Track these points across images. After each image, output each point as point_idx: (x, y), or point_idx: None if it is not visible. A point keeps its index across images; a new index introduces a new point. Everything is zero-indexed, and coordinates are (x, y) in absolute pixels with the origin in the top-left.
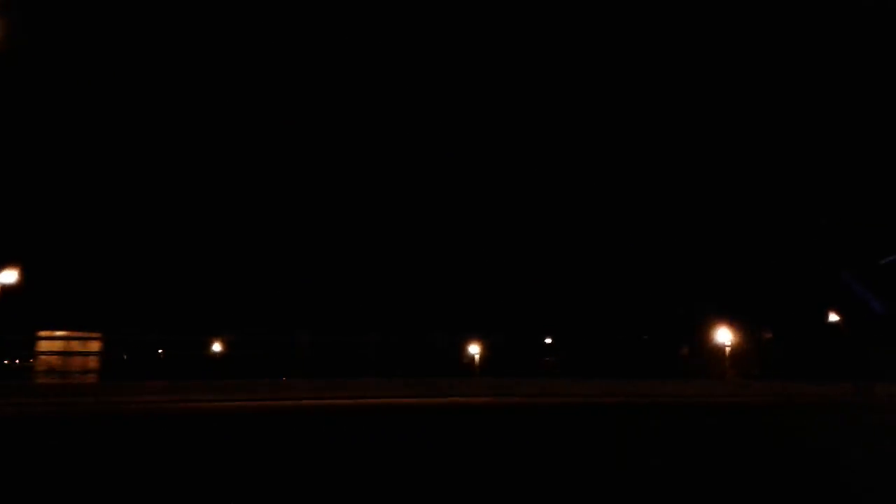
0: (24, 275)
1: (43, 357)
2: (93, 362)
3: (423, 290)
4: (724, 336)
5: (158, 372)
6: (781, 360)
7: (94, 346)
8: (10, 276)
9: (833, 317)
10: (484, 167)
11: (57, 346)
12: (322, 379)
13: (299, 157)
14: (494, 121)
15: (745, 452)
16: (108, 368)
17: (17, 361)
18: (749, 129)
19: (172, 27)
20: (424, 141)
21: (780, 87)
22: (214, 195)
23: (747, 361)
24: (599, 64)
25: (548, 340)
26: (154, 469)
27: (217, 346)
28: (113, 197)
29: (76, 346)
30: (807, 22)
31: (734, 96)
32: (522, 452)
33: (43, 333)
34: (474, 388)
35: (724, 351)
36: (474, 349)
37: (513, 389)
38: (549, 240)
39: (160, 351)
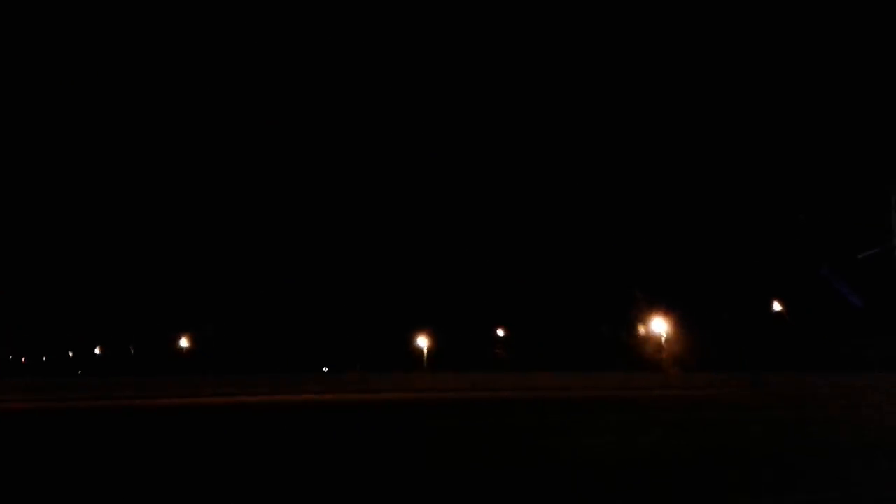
0: None
1: None
2: None
3: (370, 282)
4: (660, 327)
5: None
6: (718, 351)
7: None
8: None
9: (777, 306)
10: (435, 162)
11: None
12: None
13: (243, 149)
14: (437, 117)
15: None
16: None
17: None
18: (711, 126)
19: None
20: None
21: (743, 76)
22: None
23: (685, 352)
24: (548, 49)
25: (500, 332)
26: None
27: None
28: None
29: None
30: (784, 21)
31: (690, 82)
32: None
33: None
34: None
35: (660, 342)
36: (422, 341)
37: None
38: (502, 232)
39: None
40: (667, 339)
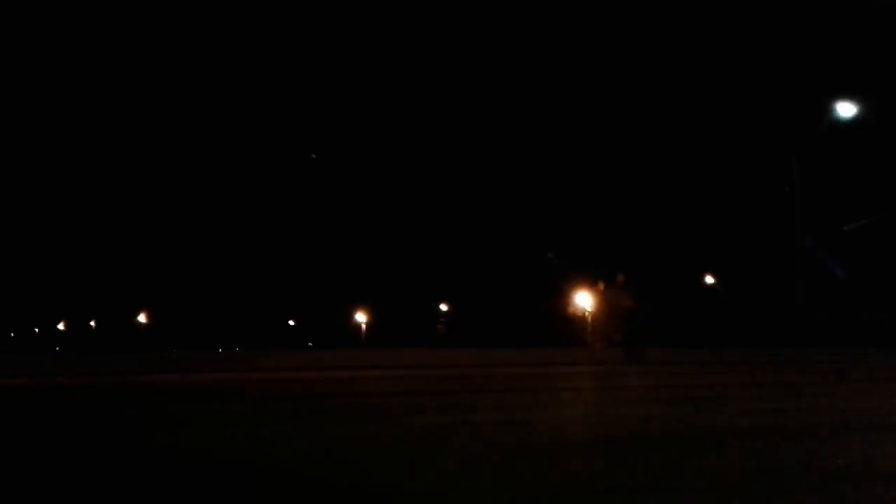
0: None
1: None
2: None
3: (310, 257)
4: (584, 300)
5: None
6: (643, 325)
7: None
8: None
9: (709, 279)
10: (372, 136)
11: None
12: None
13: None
14: (371, 92)
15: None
16: None
17: None
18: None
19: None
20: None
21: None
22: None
23: (609, 327)
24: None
25: (443, 307)
26: None
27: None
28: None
29: None
30: None
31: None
32: None
33: None
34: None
35: (585, 316)
36: (361, 317)
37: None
38: (440, 205)
39: None
40: (591, 314)
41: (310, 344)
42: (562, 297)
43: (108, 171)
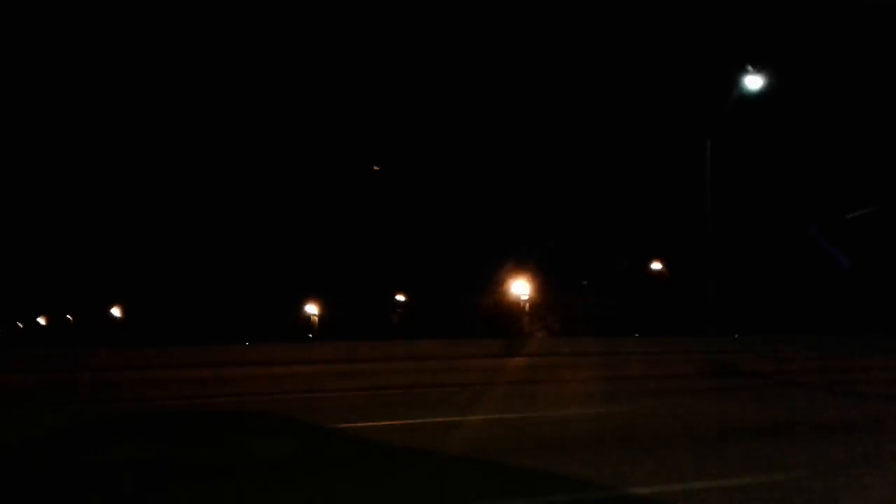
0: None
1: None
2: None
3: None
4: (521, 288)
5: None
6: (582, 314)
7: None
8: None
9: (656, 265)
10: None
11: None
12: None
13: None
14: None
15: None
16: None
17: None
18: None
19: None
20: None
21: None
22: None
23: (548, 316)
24: None
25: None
26: None
27: None
28: None
29: None
30: None
31: None
32: None
33: None
34: None
35: (521, 305)
36: (312, 309)
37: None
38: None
39: None
40: (528, 302)
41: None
42: (500, 285)
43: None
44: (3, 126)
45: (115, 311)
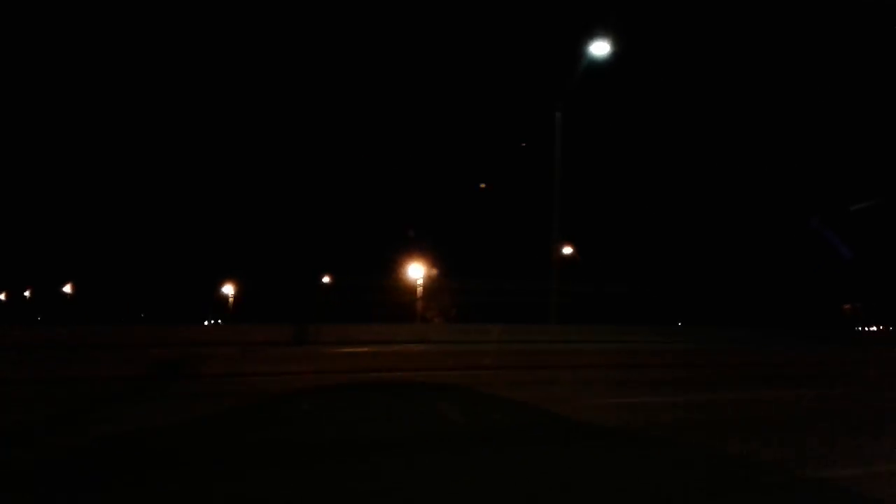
0: None
1: None
2: None
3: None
4: (416, 272)
5: None
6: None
7: None
8: None
9: (567, 250)
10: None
11: None
12: None
13: None
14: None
15: None
16: None
17: None
18: None
19: None
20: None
21: None
22: None
23: (445, 302)
24: None
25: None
26: None
27: None
28: None
29: None
30: None
31: None
32: None
33: None
34: None
35: (416, 290)
36: (228, 289)
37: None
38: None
39: None
40: (423, 287)
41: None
42: (396, 269)
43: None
44: None
45: (67, 289)
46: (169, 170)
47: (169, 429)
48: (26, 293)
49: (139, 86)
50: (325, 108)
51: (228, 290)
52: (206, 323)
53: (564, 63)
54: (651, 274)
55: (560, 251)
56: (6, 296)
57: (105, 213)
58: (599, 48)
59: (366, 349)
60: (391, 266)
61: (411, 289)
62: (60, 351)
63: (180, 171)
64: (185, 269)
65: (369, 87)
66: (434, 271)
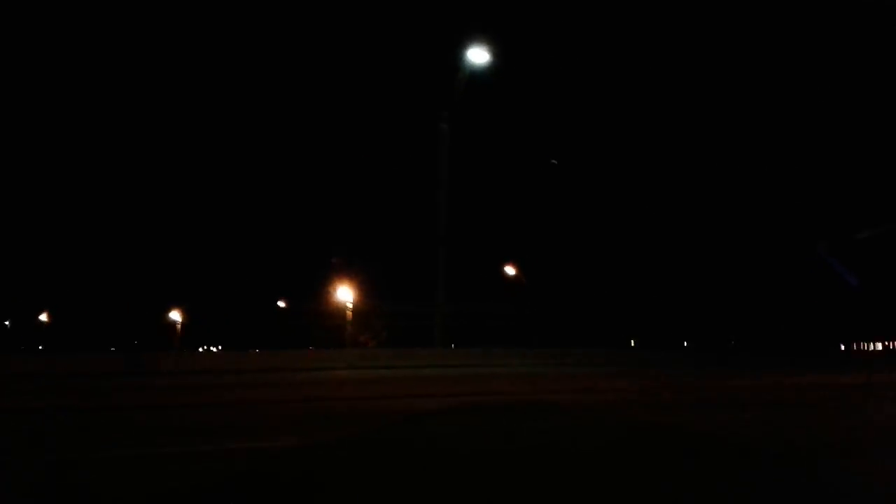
0: None
1: None
2: None
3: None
4: (345, 295)
5: None
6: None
7: None
8: None
9: (509, 270)
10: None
11: None
12: None
13: None
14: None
15: None
16: None
17: None
18: None
19: None
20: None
21: None
22: None
23: (375, 325)
24: None
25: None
26: None
27: None
28: None
29: None
30: None
31: None
32: None
33: None
34: None
35: (346, 313)
36: (175, 316)
37: None
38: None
39: None
40: (353, 310)
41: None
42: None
43: None
44: None
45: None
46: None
47: None
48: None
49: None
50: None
51: (176, 316)
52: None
53: (447, 74)
54: (599, 295)
55: (505, 271)
56: None
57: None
58: (477, 55)
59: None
60: (320, 290)
61: (340, 313)
62: None
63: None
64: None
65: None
66: (360, 294)
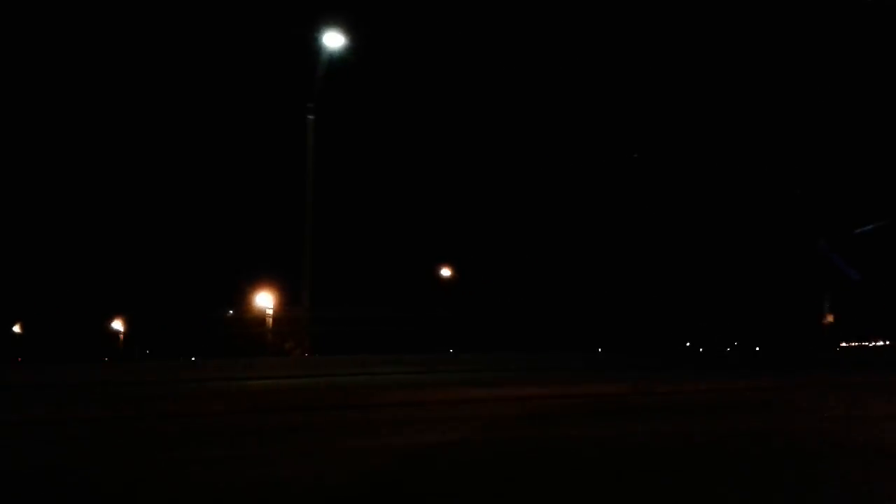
0: None
1: None
2: None
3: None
4: (265, 301)
5: None
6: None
7: None
8: None
9: (445, 272)
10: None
11: None
12: None
13: None
14: None
15: None
16: None
17: None
18: None
19: None
20: None
21: None
22: None
23: (298, 333)
24: None
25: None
26: None
27: None
28: None
29: None
30: None
31: None
32: None
33: None
34: None
35: (266, 320)
36: (118, 325)
37: None
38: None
39: None
40: (274, 317)
41: None
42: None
43: None
44: None
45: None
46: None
47: None
48: None
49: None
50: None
51: (118, 325)
52: None
53: (309, 62)
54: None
55: (437, 272)
56: None
57: None
58: (333, 40)
59: None
60: (239, 296)
61: (260, 319)
62: None
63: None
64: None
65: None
66: (282, 300)
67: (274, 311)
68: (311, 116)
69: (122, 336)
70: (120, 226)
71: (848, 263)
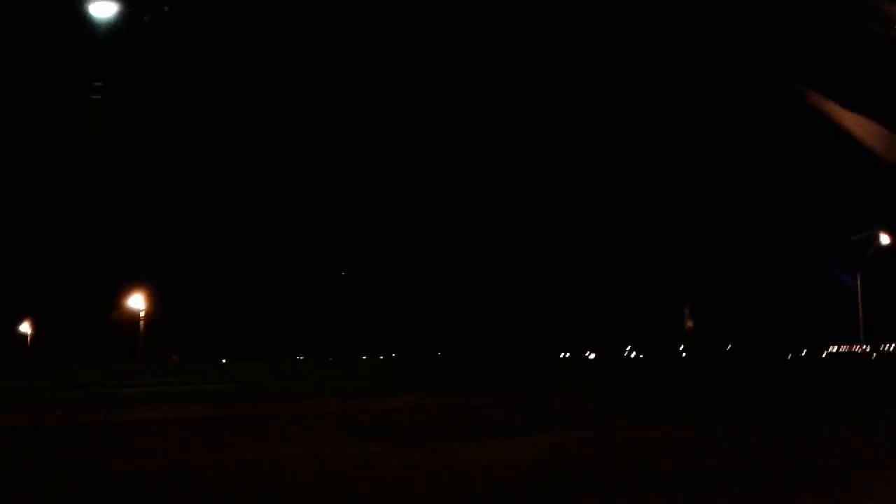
0: None
1: None
2: None
3: None
4: (137, 303)
5: None
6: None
7: None
8: None
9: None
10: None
11: None
12: None
13: None
14: None
15: None
16: None
17: None
18: None
19: None
20: None
21: None
22: None
23: (169, 337)
24: None
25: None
26: None
27: None
28: None
29: None
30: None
31: None
32: None
33: None
34: None
35: (139, 324)
36: (26, 328)
37: None
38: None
39: None
40: (146, 319)
41: None
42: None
43: None
44: None
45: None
46: None
47: None
48: None
49: None
50: None
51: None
52: None
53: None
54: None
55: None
56: None
57: None
58: (102, 9)
59: None
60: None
61: (132, 323)
62: None
63: None
64: None
65: None
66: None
67: (147, 314)
68: (96, 96)
69: (29, 339)
70: None
71: (842, 270)
